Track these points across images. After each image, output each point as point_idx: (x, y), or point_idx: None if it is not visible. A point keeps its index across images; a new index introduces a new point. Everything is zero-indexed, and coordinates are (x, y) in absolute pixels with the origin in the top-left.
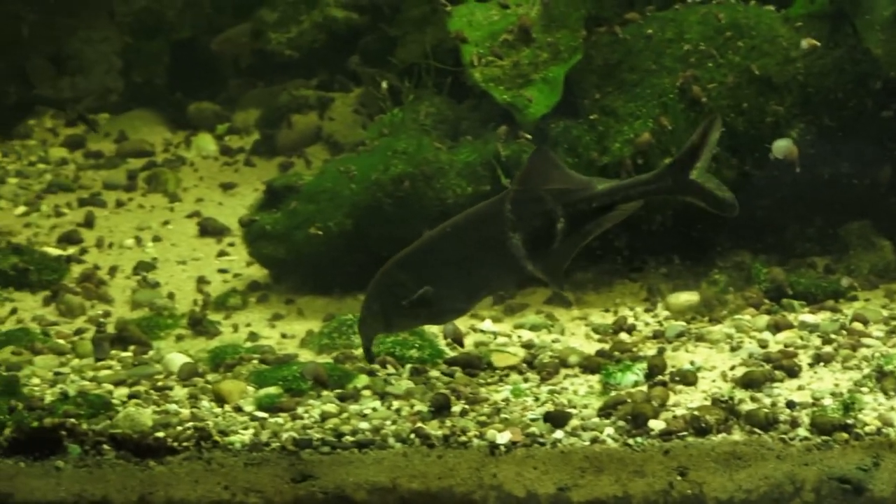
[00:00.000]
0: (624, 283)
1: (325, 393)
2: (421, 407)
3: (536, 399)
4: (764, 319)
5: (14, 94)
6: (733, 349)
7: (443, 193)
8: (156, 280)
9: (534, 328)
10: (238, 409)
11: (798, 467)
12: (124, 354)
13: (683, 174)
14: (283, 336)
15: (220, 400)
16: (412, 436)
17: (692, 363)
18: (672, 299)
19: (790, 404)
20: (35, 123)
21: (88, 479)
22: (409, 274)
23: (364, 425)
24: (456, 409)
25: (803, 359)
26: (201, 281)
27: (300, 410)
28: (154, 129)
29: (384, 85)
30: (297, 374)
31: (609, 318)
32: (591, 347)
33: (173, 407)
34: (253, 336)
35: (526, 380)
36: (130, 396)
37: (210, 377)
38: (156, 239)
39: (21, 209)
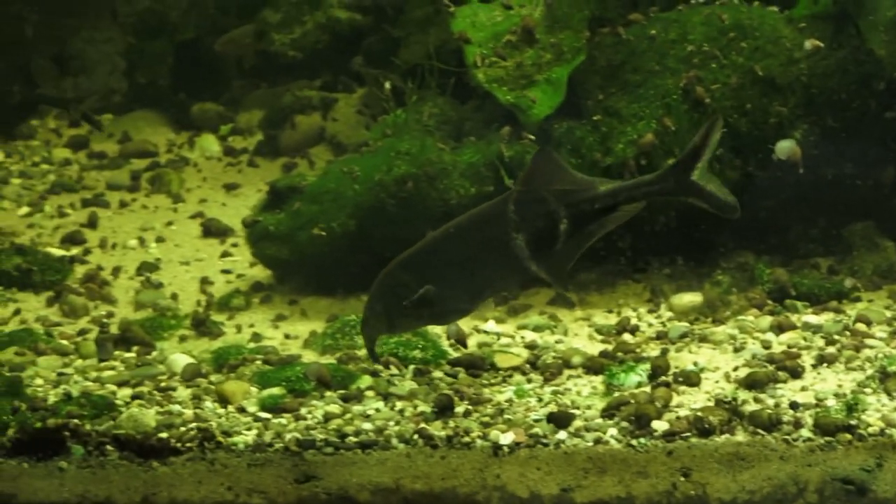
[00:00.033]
0: (627, 284)
1: (328, 394)
2: (424, 408)
3: (540, 400)
4: (767, 320)
5: (18, 94)
6: (737, 350)
7: (446, 194)
8: (159, 281)
9: (537, 329)
10: (241, 410)
11: (801, 468)
12: (128, 355)
13: (686, 175)
14: (287, 337)
15: (223, 401)
16: (415, 436)
17: (695, 364)
18: (675, 300)
19: (793, 405)
20: (38, 124)
21: (92, 480)
22: (412, 275)
23: (367, 426)
24: (459, 409)
25: (806, 360)
26: (205, 282)
27: (303, 411)
28: (157, 129)
29: (387, 86)
30: (300, 374)
31: (612, 319)
32: (595, 348)
33: (177, 408)
34: (256, 337)
35: (529, 380)
36: (134, 397)
37: (213, 378)
38: (159, 239)
39: (24, 210)
